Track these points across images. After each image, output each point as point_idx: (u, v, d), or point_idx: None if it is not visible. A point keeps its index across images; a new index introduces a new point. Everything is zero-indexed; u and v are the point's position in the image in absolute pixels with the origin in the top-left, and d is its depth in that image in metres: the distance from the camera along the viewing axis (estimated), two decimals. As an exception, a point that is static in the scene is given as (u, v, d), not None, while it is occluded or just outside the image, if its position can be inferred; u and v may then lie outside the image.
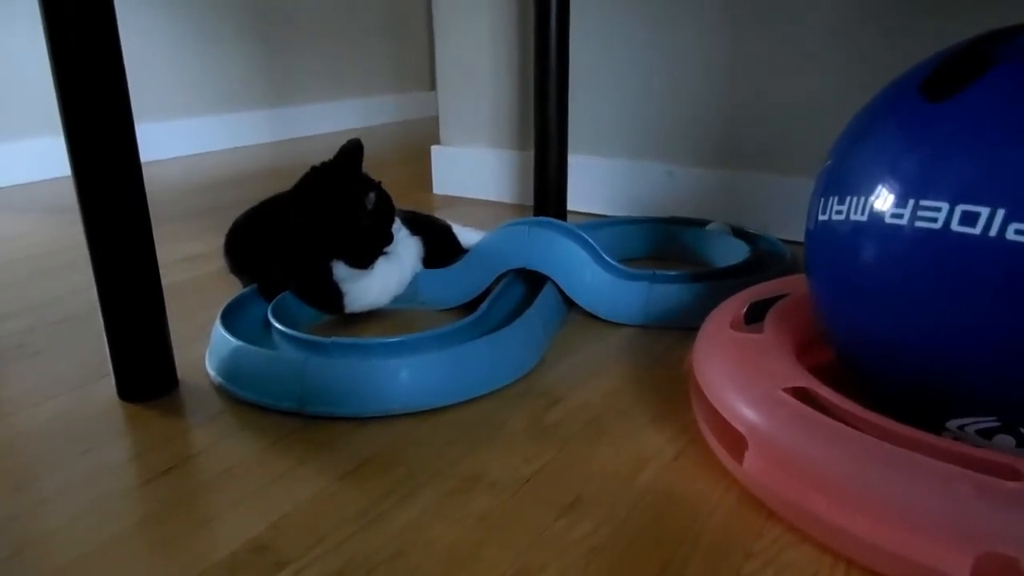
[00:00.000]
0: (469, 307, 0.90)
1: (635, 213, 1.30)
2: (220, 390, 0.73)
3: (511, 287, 0.91)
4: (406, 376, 0.69)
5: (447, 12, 1.49)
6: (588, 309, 0.89)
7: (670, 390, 0.72)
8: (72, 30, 0.61)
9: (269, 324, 0.79)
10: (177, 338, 0.74)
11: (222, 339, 0.75)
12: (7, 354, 0.82)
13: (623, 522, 0.53)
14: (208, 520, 0.54)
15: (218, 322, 0.77)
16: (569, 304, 0.91)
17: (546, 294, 0.87)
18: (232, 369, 0.73)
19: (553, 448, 0.63)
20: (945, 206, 0.48)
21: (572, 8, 1.20)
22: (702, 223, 1.13)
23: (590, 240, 0.90)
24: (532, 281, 0.92)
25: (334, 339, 0.72)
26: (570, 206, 1.32)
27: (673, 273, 0.89)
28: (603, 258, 0.90)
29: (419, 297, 0.94)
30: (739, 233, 1.09)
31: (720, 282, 0.87)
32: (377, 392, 0.68)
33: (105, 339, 0.69)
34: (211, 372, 0.75)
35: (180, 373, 0.74)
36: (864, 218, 0.53)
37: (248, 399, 0.70)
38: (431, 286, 0.94)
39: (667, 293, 0.87)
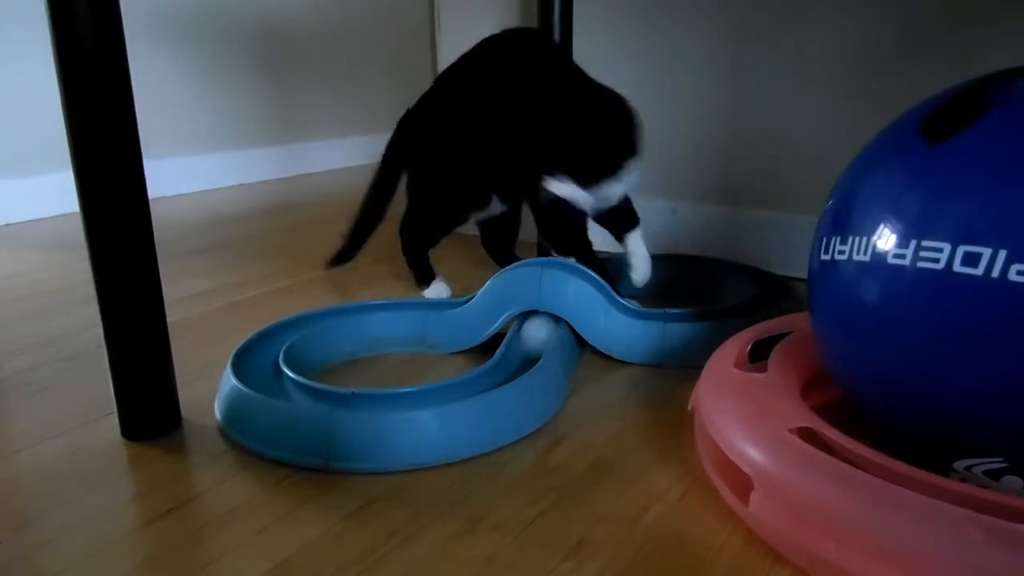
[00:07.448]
0: (477, 349, 0.90)
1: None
2: (231, 442, 0.70)
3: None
4: (436, 427, 0.67)
5: (451, 51, 1.51)
6: (603, 350, 0.88)
7: (674, 429, 0.72)
8: (83, 68, 0.62)
9: (279, 370, 0.77)
10: (181, 376, 0.74)
11: (235, 390, 0.72)
12: (13, 391, 0.82)
13: (629, 564, 0.53)
14: (211, 562, 0.54)
15: (229, 370, 0.75)
16: (579, 342, 0.90)
17: (561, 335, 0.86)
18: (247, 423, 0.70)
19: (558, 488, 0.62)
20: (947, 247, 0.49)
21: (574, 49, 1.21)
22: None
23: (601, 280, 0.89)
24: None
25: (355, 390, 0.70)
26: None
27: (685, 311, 0.89)
28: (615, 298, 0.89)
29: (428, 340, 0.93)
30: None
31: (733, 319, 0.87)
32: (409, 445, 0.66)
33: (110, 377, 0.70)
34: (222, 423, 0.72)
35: (184, 411, 0.74)
36: (867, 258, 0.53)
37: (266, 455, 0.67)
38: (440, 329, 0.93)
39: (681, 331, 0.87)
